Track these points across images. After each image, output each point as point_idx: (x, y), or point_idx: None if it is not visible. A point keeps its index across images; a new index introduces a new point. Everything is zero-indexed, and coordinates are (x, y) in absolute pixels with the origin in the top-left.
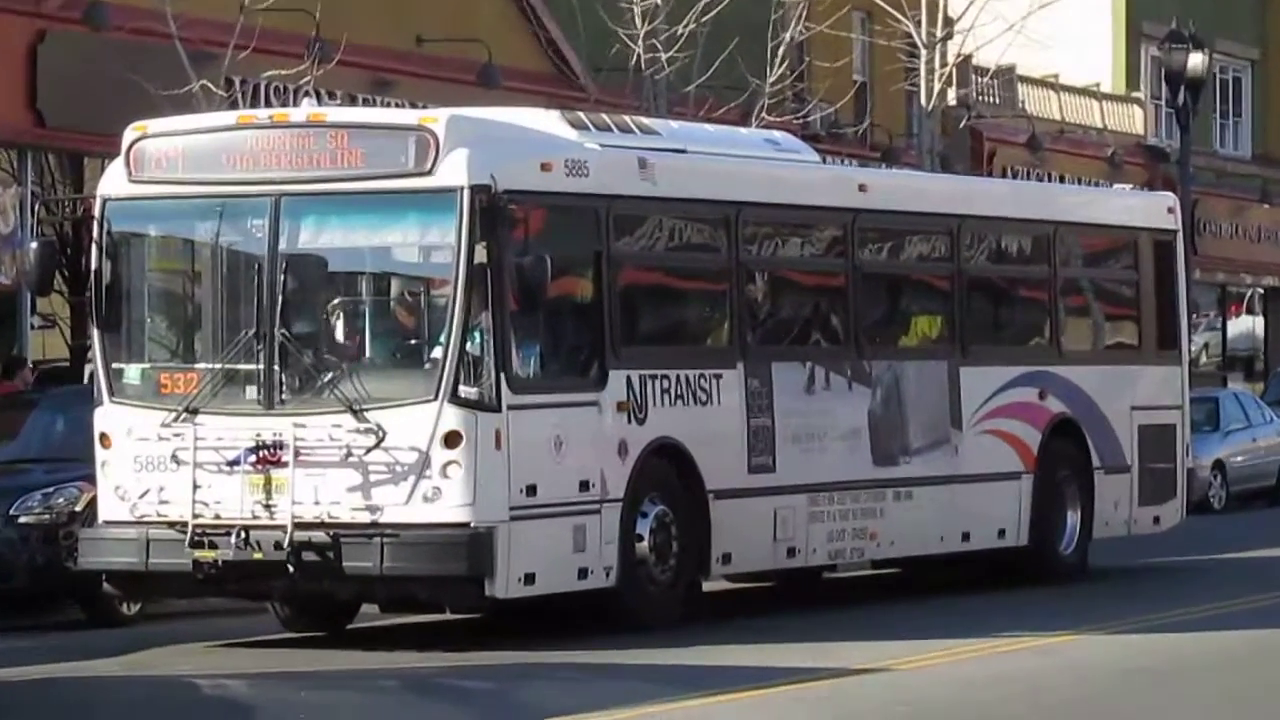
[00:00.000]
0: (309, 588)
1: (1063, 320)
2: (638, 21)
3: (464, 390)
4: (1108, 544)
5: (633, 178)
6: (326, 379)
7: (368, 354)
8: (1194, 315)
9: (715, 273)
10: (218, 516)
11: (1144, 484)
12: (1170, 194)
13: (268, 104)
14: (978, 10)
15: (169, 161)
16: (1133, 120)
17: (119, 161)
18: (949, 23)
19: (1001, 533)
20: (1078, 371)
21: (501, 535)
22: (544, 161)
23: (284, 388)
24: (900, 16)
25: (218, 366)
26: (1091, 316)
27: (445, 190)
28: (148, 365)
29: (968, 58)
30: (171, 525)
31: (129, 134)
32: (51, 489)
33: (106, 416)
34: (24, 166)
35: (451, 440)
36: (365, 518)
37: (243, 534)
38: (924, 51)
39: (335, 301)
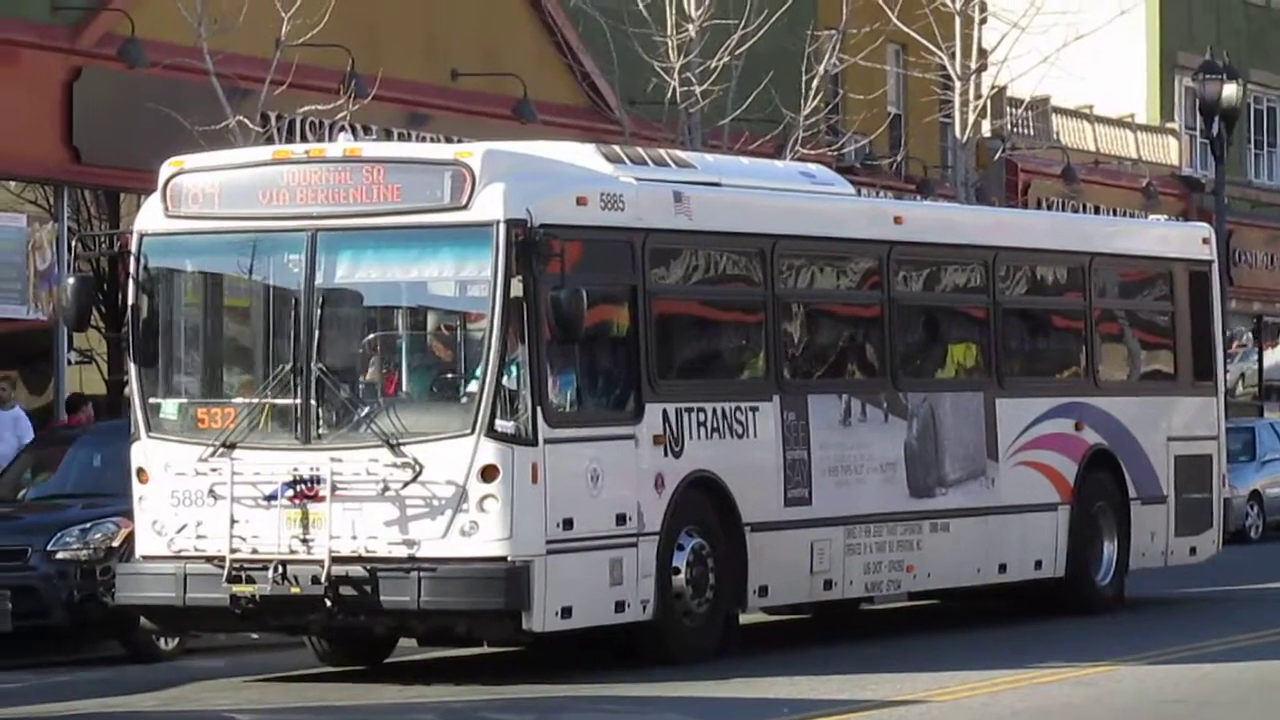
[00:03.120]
0: (347, 622)
1: (1098, 351)
2: (672, 55)
3: (500, 424)
4: (1144, 575)
5: (668, 211)
6: (363, 413)
7: (404, 388)
8: (1230, 345)
9: (751, 305)
10: (255, 551)
11: (1180, 515)
12: (1205, 224)
13: (303, 139)
14: (1012, 42)
15: (205, 197)
16: (1167, 151)
17: (155, 197)
18: (983, 54)
19: (1038, 564)
20: (1114, 402)
21: (538, 569)
22: (579, 195)
23: (321, 422)
24: (934, 49)
25: (254, 401)
26: (1127, 347)
27: (481, 224)
28: (184, 400)
29: (1002, 89)
30: (209, 560)
31: (165, 169)
32: (89, 524)
33: (143, 451)
34: (60, 202)
35: (488, 474)
36: (402, 552)
37: (280, 568)
38: (958, 83)
39: (371, 336)
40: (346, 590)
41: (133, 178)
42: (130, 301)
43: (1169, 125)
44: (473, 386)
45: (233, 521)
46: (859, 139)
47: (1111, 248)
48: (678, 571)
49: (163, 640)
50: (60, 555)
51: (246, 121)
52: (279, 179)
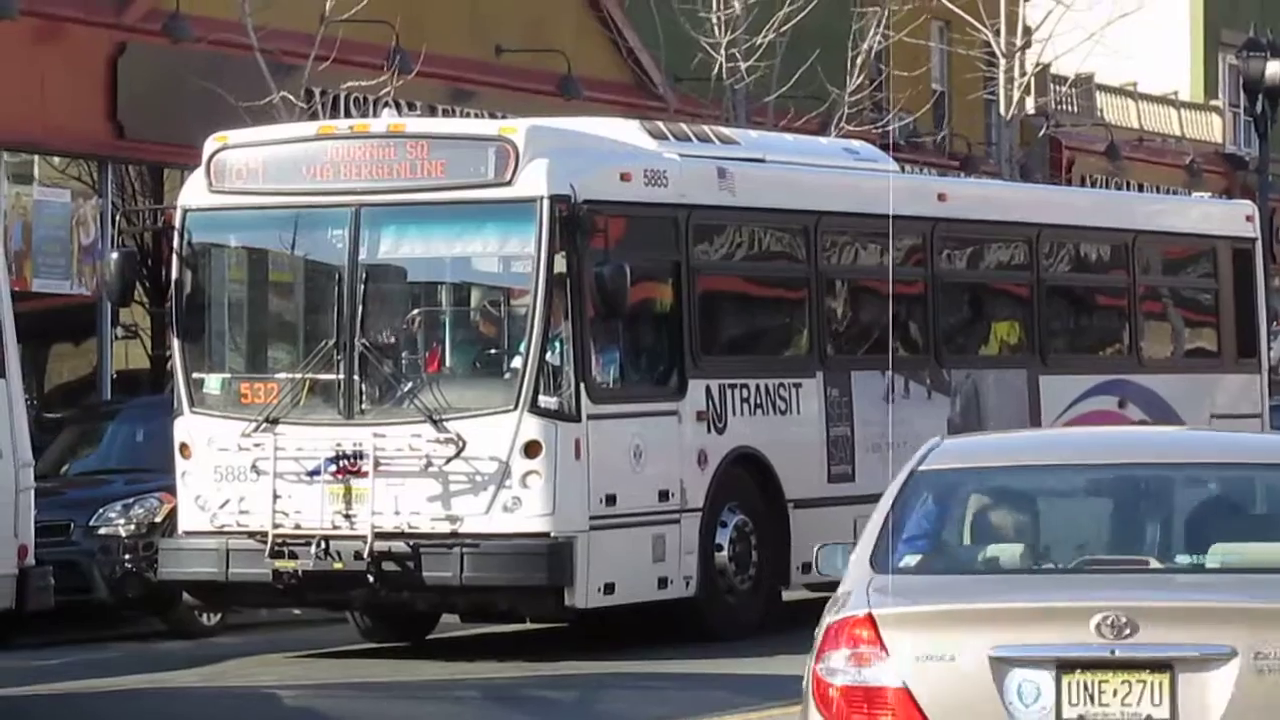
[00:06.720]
0: (389, 598)
1: (1142, 328)
2: (718, 31)
3: (544, 400)
4: None
5: (712, 187)
6: (406, 389)
7: (447, 364)
8: (1273, 323)
9: (794, 282)
10: (298, 526)
11: None
12: (1249, 202)
13: (348, 115)
14: (1056, 19)
15: (249, 172)
16: (1211, 128)
17: (199, 172)
18: (1028, 32)
19: None
20: (1157, 380)
21: (581, 545)
22: (623, 171)
23: (364, 397)
24: (979, 26)
25: (298, 376)
26: (1170, 324)
27: (525, 200)
28: (228, 375)
29: (1046, 66)
30: (252, 535)
31: (209, 145)
32: (131, 500)
33: (187, 427)
34: (104, 178)
35: (531, 450)
36: (445, 528)
37: (323, 544)
38: (1003, 60)
39: (415, 312)
40: (389, 566)
41: (177, 153)
42: (174, 277)
43: (1213, 103)
44: (516, 362)
45: (275, 497)
46: (903, 116)
47: (1155, 225)
48: (721, 548)
49: (204, 616)
50: (103, 531)
51: (290, 97)
52: (323, 154)
